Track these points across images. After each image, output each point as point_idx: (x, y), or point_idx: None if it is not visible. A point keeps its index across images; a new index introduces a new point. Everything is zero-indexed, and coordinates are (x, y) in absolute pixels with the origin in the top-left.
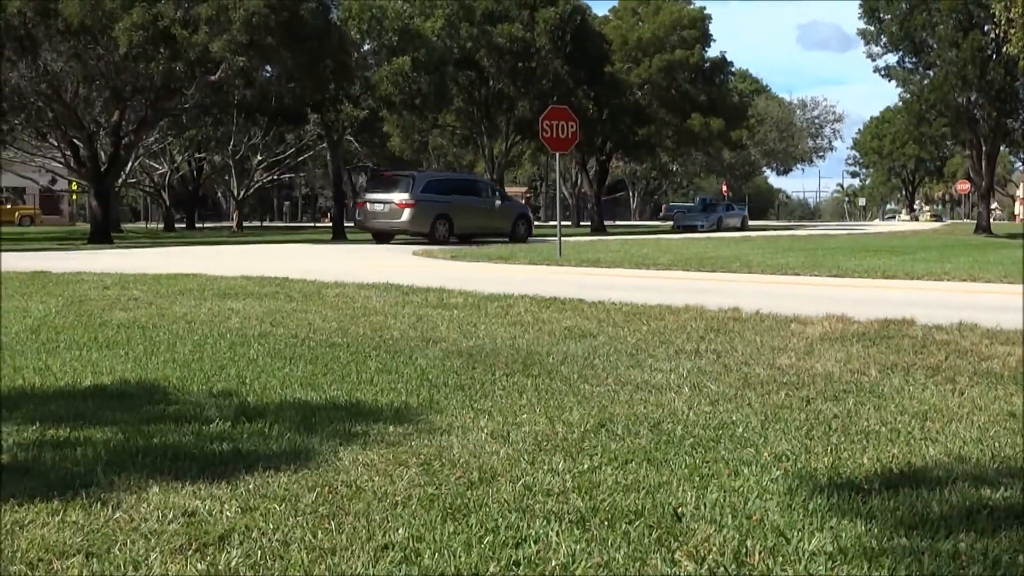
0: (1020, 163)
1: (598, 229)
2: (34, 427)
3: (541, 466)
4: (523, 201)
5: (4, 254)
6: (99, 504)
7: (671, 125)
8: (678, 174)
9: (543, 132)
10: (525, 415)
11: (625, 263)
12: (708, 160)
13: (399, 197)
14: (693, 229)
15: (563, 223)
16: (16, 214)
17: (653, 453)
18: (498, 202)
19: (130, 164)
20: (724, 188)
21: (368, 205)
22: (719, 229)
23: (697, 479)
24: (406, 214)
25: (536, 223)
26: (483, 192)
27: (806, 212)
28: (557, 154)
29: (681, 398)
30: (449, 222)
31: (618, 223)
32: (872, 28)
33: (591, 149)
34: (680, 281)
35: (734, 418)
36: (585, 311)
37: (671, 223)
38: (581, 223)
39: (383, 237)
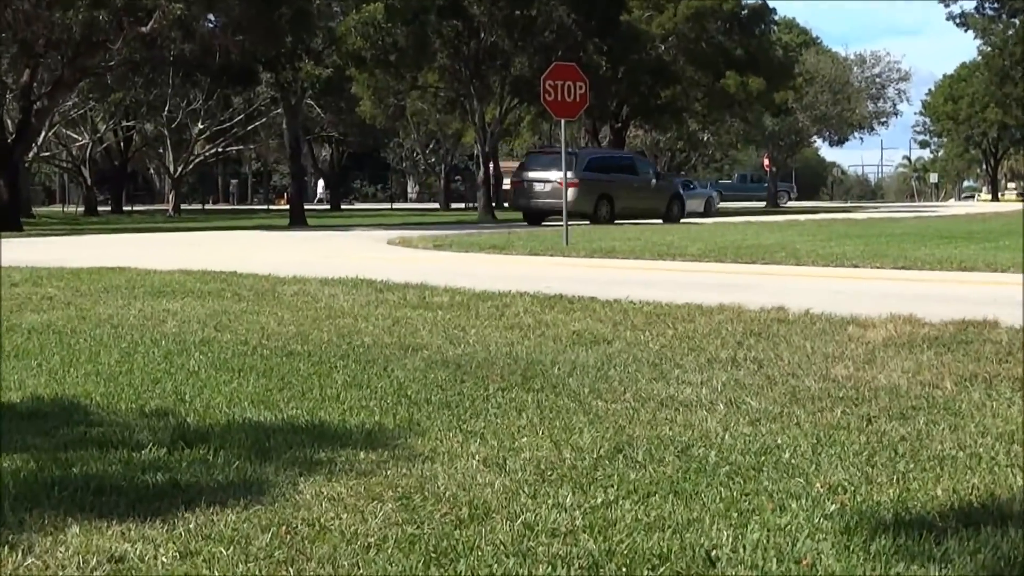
0: None
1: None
2: None
3: (545, 500)
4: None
5: None
6: (6, 548)
7: (701, 85)
8: (710, 145)
9: (545, 94)
10: (525, 438)
11: (646, 253)
12: (746, 128)
13: (562, 176)
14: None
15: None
16: None
17: (681, 484)
18: (654, 181)
19: (43, 134)
20: (766, 162)
21: (527, 184)
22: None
23: (734, 515)
24: (571, 193)
25: None
26: (640, 170)
27: (866, 190)
28: (563, 121)
29: (715, 417)
30: (610, 202)
31: None
32: None
33: (604, 115)
34: (713, 275)
35: (779, 441)
36: (597, 311)
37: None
38: None
39: (536, 217)
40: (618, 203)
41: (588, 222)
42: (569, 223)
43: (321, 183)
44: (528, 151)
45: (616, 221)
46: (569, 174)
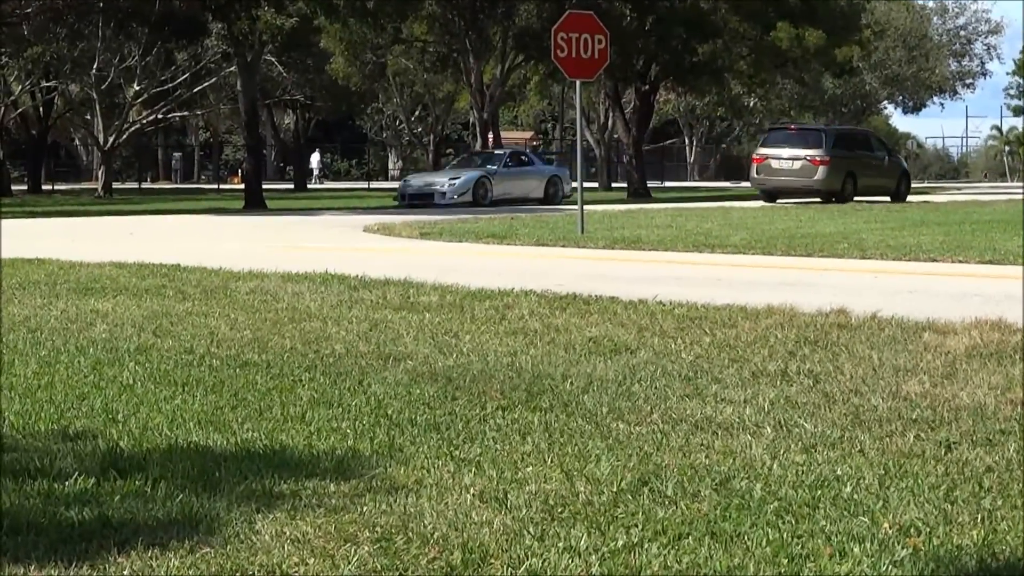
0: None
1: (639, 193)
2: None
3: (554, 543)
4: (553, 160)
5: None
6: None
7: (746, 39)
8: (756, 112)
9: (557, 50)
10: (530, 468)
11: (678, 244)
12: (801, 91)
13: (812, 153)
14: (430, 200)
15: (587, 184)
16: None
17: (719, 524)
18: (886, 158)
19: None
20: None
21: (771, 161)
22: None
23: (784, 562)
24: (820, 171)
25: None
26: (875, 147)
27: (947, 167)
28: (578, 82)
29: (761, 443)
30: (854, 180)
31: (668, 184)
32: None
33: (628, 75)
34: (759, 270)
35: (839, 472)
36: (619, 314)
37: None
38: (613, 184)
39: (775, 196)
40: (860, 181)
41: (834, 200)
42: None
43: (316, 156)
44: (770, 127)
45: (855, 198)
46: (819, 152)
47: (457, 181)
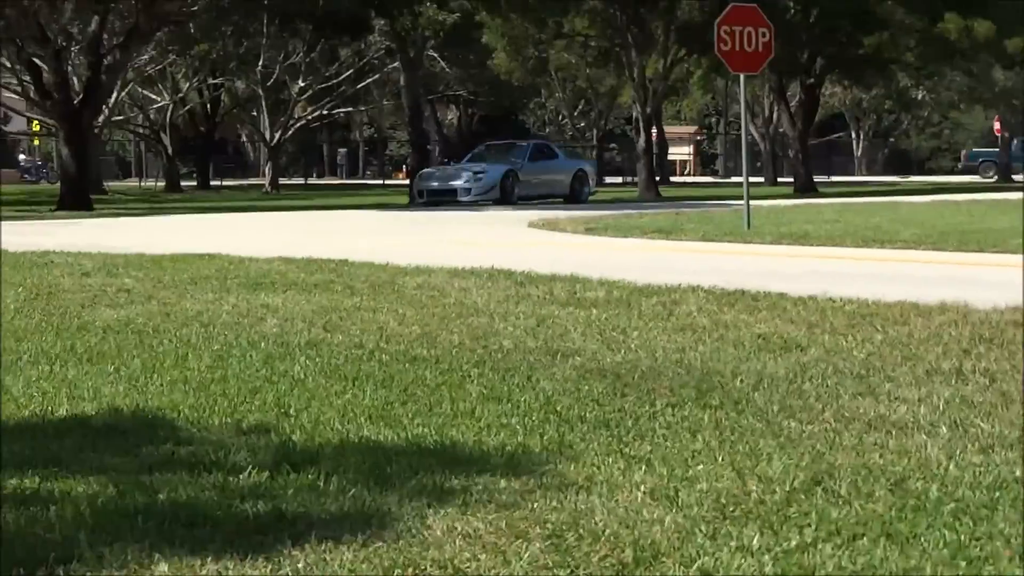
0: None
1: (805, 188)
2: None
3: (726, 542)
4: (691, 146)
5: None
6: None
7: (914, 31)
8: (924, 105)
9: (720, 43)
10: (701, 466)
11: (847, 239)
12: (971, 83)
13: None
14: (451, 197)
15: (752, 179)
16: None
17: (894, 525)
18: None
19: (115, 94)
20: (996, 126)
21: None
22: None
23: (962, 565)
24: None
25: (709, 179)
26: None
27: None
28: (742, 76)
29: (936, 442)
30: None
31: (834, 179)
32: None
33: (793, 69)
34: (932, 266)
35: (1019, 474)
36: (788, 311)
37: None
38: (779, 179)
39: None
40: None
41: None
42: (752, 202)
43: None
44: None
45: None
46: None
47: (483, 176)
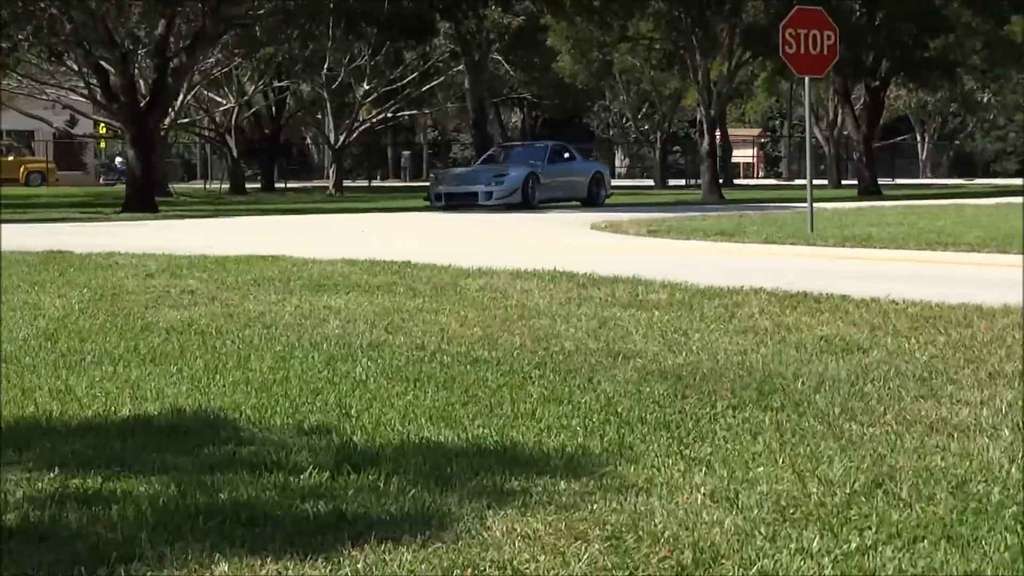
0: None
1: (869, 191)
2: (52, 475)
3: (786, 544)
4: (755, 149)
5: (4, 226)
6: None
7: (979, 33)
8: (990, 108)
9: (785, 46)
10: (761, 468)
11: (910, 242)
12: None
13: None
14: (471, 201)
15: (816, 182)
16: (21, 169)
17: (956, 528)
18: None
19: (181, 97)
20: None
21: None
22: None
23: (1023, 568)
24: None
25: (773, 181)
26: None
27: None
28: (806, 79)
29: (998, 445)
30: None
31: (899, 181)
32: None
33: (858, 71)
34: (996, 269)
35: None
36: (851, 313)
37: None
38: (843, 182)
39: None
40: None
41: None
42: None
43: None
44: None
45: None
46: None
47: (505, 179)
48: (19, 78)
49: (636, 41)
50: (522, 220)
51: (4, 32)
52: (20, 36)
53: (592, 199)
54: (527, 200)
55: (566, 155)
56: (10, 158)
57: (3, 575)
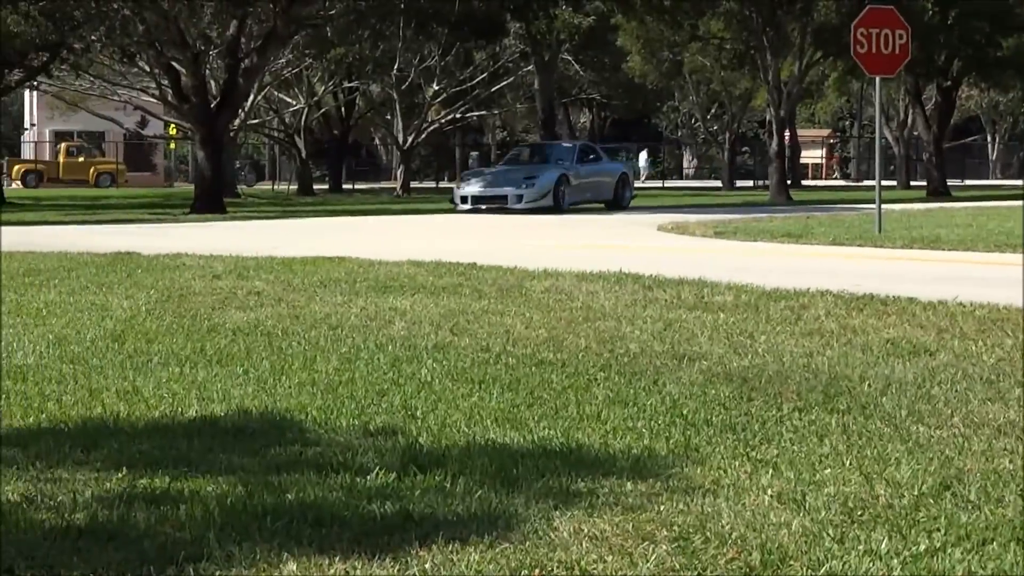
0: None
1: (938, 192)
2: (119, 475)
3: (854, 546)
4: (824, 150)
5: (75, 227)
6: None
7: None
8: None
9: (856, 46)
10: (828, 470)
11: (979, 243)
12: None
13: None
14: (500, 204)
15: (885, 183)
16: (91, 170)
17: None
18: None
19: (252, 98)
20: None
21: None
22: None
23: None
24: None
25: (841, 182)
26: None
27: None
28: (877, 79)
29: None
30: None
31: (969, 182)
32: None
33: (929, 71)
34: None
35: None
36: (918, 316)
37: None
38: (912, 183)
39: None
40: None
41: None
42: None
43: (644, 155)
44: None
45: None
46: None
47: (536, 181)
48: (91, 79)
49: (707, 41)
50: (596, 220)
51: (77, 33)
52: (93, 37)
53: (618, 201)
54: (558, 203)
55: (591, 155)
56: (80, 159)
57: (72, 574)
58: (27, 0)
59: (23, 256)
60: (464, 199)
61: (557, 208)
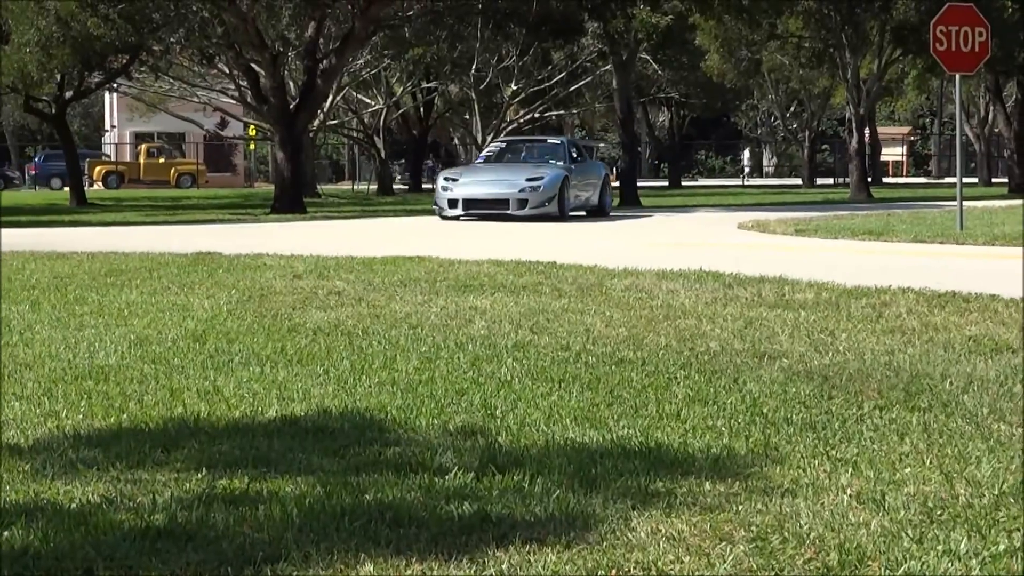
0: None
1: (1020, 188)
2: (199, 475)
3: (933, 546)
4: (904, 147)
5: (155, 227)
6: None
7: None
8: None
9: (936, 43)
10: (908, 469)
11: None
12: None
13: None
14: (500, 210)
15: (966, 180)
16: (172, 171)
17: None
18: None
19: (331, 98)
20: None
21: None
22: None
23: None
24: None
25: (922, 179)
26: None
27: None
28: (957, 76)
29: None
30: None
31: None
32: None
33: (1009, 68)
34: None
35: None
36: (1000, 313)
37: None
38: (993, 179)
39: None
40: None
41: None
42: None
43: (747, 153)
44: None
45: None
46: None
47: (541, 183)
48: (170, 81)
49: (785, 39)
50: (675, 219)
51: (156, 35)
52: (172, 39)
53: (602, 207)
54: (562, 210)
55: (583, 152)
56: (161, 160)
57: (151, 575)
58: (107, 3)
59: (105, 256)
60: (453, 203)
61: (562, 215)
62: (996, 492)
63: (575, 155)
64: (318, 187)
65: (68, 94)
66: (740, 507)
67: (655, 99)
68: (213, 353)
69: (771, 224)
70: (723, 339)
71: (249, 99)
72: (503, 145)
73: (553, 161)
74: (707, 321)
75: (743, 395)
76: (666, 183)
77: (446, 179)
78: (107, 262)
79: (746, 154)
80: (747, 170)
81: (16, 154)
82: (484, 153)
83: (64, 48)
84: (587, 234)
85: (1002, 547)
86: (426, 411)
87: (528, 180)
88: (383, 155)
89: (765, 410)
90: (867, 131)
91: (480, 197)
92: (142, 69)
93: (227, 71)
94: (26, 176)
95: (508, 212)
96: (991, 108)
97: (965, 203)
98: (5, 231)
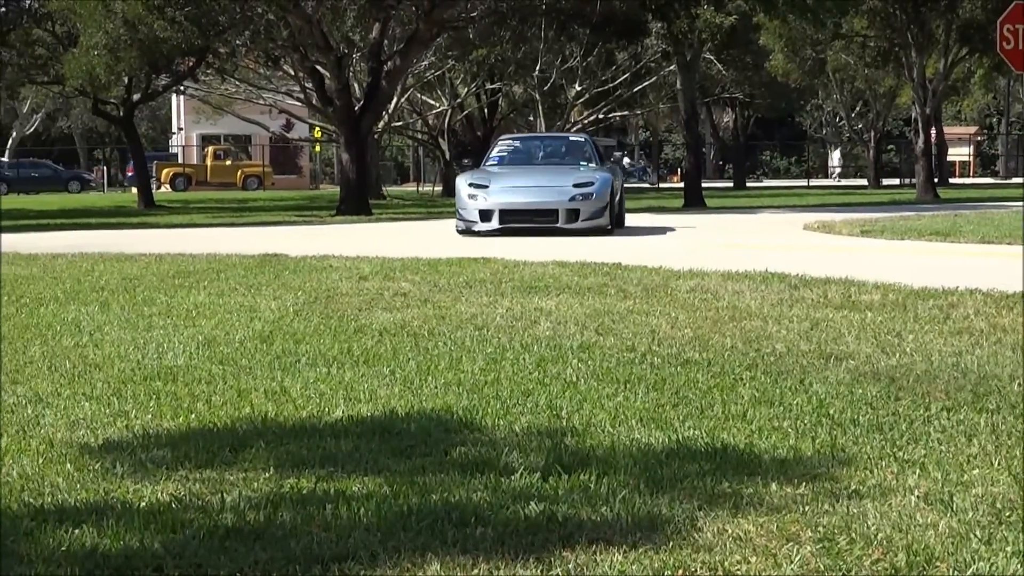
0: None
1: None
2: (267, 475)
3: (1001, 547)
4: (971, 147)
5: (221, 228)
6: None
7: None
8: None
9: (1003, 42)
10: (976, 470)
11: None
12: None
13: None
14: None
15: None
16: (238, 173)
17: None
18: None
19: (395, 100)
20: None
21: None
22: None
23: None
24: None
25: (989, 180)
26: None
27: None
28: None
29: None
30: None
31: None
32: None
33: None
34: None
35: None
36: None
37: None
38: None
39: None
40: None
41: None
42: None
43: (837, 154)
44: None
45: None
46: None
47: (592, 188)
48: (236, 83)
49: (850, 39)
50: (740, 220)
51: (222, 38)
52: (238, 42)
53: (619, 218)
54: (614, 221)
55: (601, 154)
56: (227, 162)
57: (220, 574)
58: (173, 6)
59: (172, 258)
60: (486, 215)
61: (615, 228)
62: None
63: (601, 156)
64: (383, 189)
65: (135, 97)
66: (807, 508)
67: (719, 99)
68: (280, 354)
69: (836, 225)
70: (789, 340)
71: (314, 101)
72: (517, 144)
73: (584, 163)
74: (773, 322)
75: (809, 396)
76: (731, 184)
77: (472, 185)
78: (175, 264)
79: (836, 155)
80: (837, 171)
81: (85, 156)
82: (495, 153)
83: (131, 51)
84: (646, 238)
85: None
86: (492, 412)
87: (576, 186)
88: (447, 156)
89: (832, 411)
90: (933, 131)
91: (520, 208)
92: (208, 71)
93: (292, 73)
94: (106, 178)
95: (557, 225)
96: None
97: None
98: (76, 233)
